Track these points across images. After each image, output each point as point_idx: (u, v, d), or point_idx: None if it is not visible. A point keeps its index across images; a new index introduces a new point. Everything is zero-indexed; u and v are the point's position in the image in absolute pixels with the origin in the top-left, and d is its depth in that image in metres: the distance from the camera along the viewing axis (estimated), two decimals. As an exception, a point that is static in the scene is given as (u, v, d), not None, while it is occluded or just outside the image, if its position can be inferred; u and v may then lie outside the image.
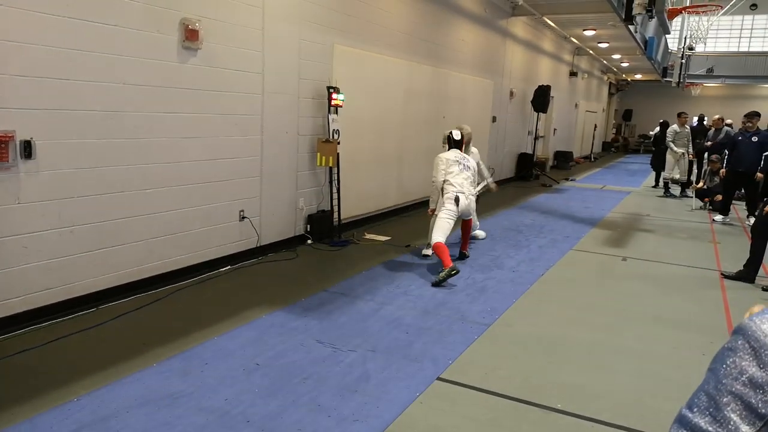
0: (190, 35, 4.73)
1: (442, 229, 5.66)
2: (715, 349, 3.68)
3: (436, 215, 5.85)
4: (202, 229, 5.21)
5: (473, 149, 7.63)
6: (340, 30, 6.74)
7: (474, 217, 7.33)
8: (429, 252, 7.32)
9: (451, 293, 5.07)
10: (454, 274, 5.28)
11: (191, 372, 3.37)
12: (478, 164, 7.43)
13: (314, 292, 4.91)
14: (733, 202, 9.78)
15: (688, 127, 12.06)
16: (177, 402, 3.03)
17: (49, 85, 3.79)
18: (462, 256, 6.28)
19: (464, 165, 6.03)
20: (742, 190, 9.89)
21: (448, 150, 6.12)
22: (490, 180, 7.92)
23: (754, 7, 24.88)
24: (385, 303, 4.69)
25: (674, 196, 12.32)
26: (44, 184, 3.84)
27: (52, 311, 4.01)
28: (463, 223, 6.35)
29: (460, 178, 5.91)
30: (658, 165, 13.53)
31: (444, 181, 5.88)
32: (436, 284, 5.25)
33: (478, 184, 7.61)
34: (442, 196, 5.85)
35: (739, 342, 0.77)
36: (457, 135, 6.20)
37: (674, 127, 11.95)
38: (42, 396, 3.03)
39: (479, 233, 7.61)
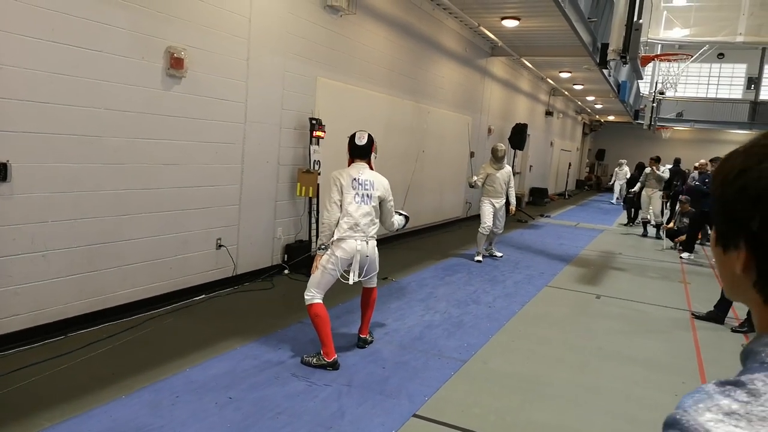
0: (175, 63, 4.75)
1: (316, 283, 4.08)
2: (687, 389, 3.70)
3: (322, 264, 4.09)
4: (178, 256, 5.14)
5: (507, 167, 8.05)
6: (323, 63, 6.84)
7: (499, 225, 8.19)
8: (480, 258, 8.28)
9: (428, 328, 5.06)
10: (329, 369, 3.93)
11: (161, 405, 3.28)
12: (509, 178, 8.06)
13: (290, 324, 4.86)
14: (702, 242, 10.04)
15: (664, 169, 12.44)
16: (146, 436, 2.94)
17: (29, 108, 3.75)
18: (361, 343, 4.45)
19: (364, 194, 4.11)
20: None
21: (350, 164, 4.27)
22: (511, 195, 8.26)
23: (721, 56, 25.99)
24: (361, 336, 4.65)
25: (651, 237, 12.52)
26: (18, 208, 3.76)
27: (19, 338, 3.88)
28: (364, 293, 4.52)
29: (357, 213, 4.09)
30: (632, 203, 13.96)
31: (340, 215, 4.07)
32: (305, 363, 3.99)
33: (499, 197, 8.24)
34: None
35: None
36: (361, 139, 4.21)
37: (647, 169, 12.44)
38: (3, 428, 2.92)
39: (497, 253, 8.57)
